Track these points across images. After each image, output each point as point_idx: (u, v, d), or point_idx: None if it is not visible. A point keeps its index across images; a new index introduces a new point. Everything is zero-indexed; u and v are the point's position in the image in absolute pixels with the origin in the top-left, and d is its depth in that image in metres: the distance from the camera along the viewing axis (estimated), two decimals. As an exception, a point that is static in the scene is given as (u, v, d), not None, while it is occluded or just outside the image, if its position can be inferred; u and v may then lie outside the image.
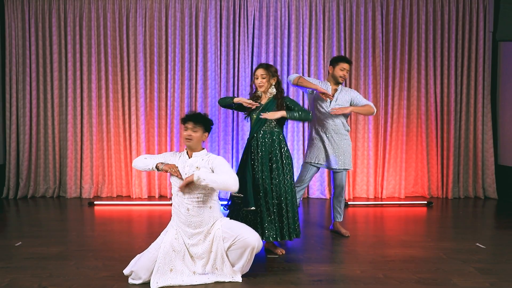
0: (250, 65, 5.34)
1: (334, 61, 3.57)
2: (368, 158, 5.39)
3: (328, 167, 3.58)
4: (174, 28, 5.31)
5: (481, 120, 5.37)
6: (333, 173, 3.61)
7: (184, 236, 2.63)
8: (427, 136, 5.42)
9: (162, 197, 5.44)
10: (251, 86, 3.25)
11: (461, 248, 3.31)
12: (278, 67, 5.31)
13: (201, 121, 2.68)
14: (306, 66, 5.32)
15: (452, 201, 5.27)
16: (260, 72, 3.11)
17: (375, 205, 5.04)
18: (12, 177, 5.36)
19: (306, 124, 5.34)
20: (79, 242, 3.49)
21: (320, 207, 4.99)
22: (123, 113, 5.40)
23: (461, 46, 5.34)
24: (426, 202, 5.01)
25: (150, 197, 5.42)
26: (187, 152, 2.73)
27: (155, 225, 4.07)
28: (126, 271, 2.64)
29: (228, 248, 2.58)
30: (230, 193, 3.07)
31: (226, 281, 2.60)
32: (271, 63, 5.30)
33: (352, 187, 5.44)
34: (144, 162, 2.70)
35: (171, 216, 2.74)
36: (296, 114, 3.08)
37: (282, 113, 3.05)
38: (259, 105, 3.14)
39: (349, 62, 3.55)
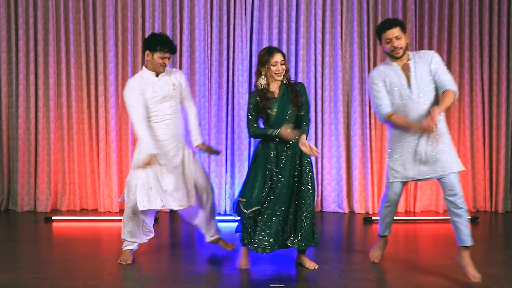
0: (249, 44, 5.34)
1: (378, 34, 3.28)
2: (398, 161, 5.39)
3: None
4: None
5: (541, 113, 5.37)
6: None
7: (160, 157, 3.44)
8: (472, 134, 5.41)
9: (137, 210, 5.43)
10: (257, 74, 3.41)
11: (514, 275, 3.32)
12: (284, 47, 5.31)
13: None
14: (319, 46, 5.32)
15: (504, 215, 5.27)
16: (280, 57, 3.31)
17: (406, 221, 5.04)
18: None
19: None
20: (33, 268, 3.48)
21: (337, 223, 5.00)
22: (88, 105, 5.39)
23: (514, 21, 5.33)
24: (470, 217, 5.01)
25: (122, 211, 5.37)
26: (150, 72, 3.52)
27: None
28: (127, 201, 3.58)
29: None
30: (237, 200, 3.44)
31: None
32: (275, 42, 5.31)
33: (377, 199, 5.43)
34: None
35: (141, 150, 3.44)
36: (306, 128, 3.40)
37: (292, 136, 3.32)
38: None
39: (395, 24, 3.18)
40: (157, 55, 3.43)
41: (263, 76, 3.35)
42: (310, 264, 3.46)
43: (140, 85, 3.46)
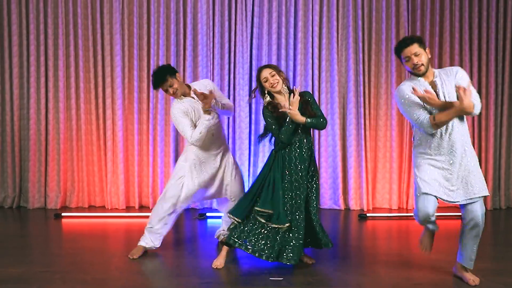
0: (249, 49, 5.35)
1: (397, 54, 3.06)
2: (391, 160, 5.40)
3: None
4: (158, 5, 5.32)
5: (528, 115, 5.39)
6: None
7: (207, 168, 3.71)
8: (462, 134, 5.42)
9: (142, 207, 5.45)
10: (258, 92, 3.47)
11: (502, 269, 3.34)
12: (283, 52, 5.33)
13: (170, 72, 3.56)
14: (316, 50, 5.33)
15: (492, 212, 5.29)
16: (266, 72, 3.32)
17: (399, 218, 5.05)
18: (-38, 184, 5.39)
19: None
20: (43, 262, 3.51)
21: (333, 219, 5.01)
22: (96, 107, 5.41)
23: (502, 27, 5.33)
24: (460, 213, 5.01)
25: (129, 208, 5.43)
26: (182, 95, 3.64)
27: (135, 241, 4.07)
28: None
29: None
30: (256, 209, 3.34)
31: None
32: (274, 47, 5.32)
33: (372, 196, 5.46)
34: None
35: (187, 157, 3.67)
36: (314, 121, 3.28)
37: (302, 119, 3.22)
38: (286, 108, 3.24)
39: (411, 41, 2.95)
40: (163, 89, 3.60)
41: (265, 94, 3.39)
42: (307, 259, 3.48)
43: (181, 109, 3.59)
